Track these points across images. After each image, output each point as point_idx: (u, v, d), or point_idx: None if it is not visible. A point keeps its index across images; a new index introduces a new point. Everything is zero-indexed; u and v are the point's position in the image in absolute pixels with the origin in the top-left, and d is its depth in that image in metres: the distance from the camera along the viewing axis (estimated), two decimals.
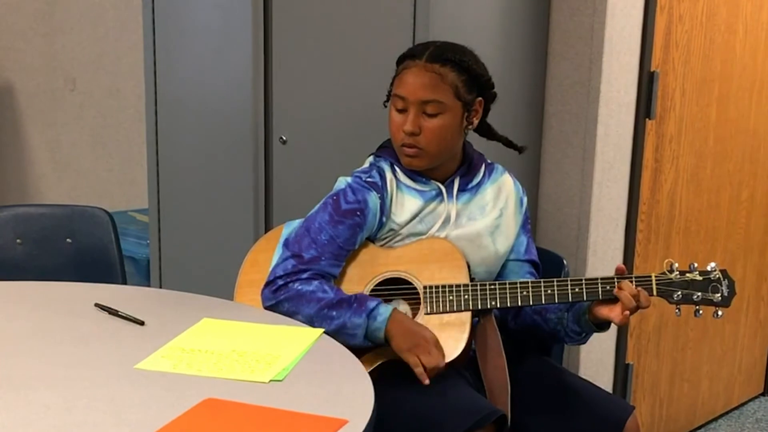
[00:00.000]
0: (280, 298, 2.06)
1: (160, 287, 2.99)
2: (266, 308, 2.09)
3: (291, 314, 2.05)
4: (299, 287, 2.05)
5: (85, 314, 1.97)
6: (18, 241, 2.56)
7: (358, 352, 2.06)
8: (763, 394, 4.01)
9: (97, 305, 2.00)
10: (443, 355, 2.01)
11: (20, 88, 4.85)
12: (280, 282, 2.07)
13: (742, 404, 3.90)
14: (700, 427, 3.67)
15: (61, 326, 1.91)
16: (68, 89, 4.61)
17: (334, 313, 2.01)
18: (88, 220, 2.60)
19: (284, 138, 2.64)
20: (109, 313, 1.96)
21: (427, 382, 1.96)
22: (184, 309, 2.05)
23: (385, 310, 2.01)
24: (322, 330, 1.91)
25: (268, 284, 2.09)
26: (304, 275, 2.07)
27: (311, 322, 2.02)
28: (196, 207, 2.88)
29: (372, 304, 2.02)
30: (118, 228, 2.60)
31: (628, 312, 2.00)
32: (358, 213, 2.11)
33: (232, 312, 2.02)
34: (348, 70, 2.61)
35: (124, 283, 2.56)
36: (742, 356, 3.81)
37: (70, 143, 4.68)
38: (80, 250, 2.58)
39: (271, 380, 1.65)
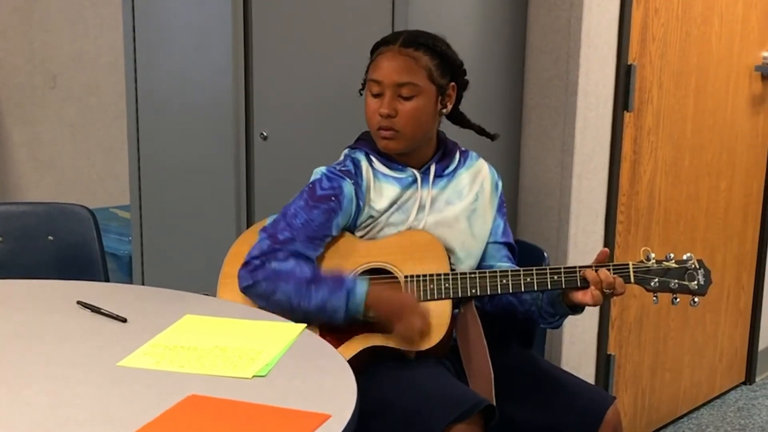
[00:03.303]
0: (258, 278, 2.09)
1: (143, 284, 2.99)
2: (243, 289, 2.12)
3: (269, 294, 2.08)
4: (275, 266, 2.09)
5: (67, 312, 1.97)
6: None
7: (338, 340, 2.08)
8: (744, 383, 4.04)
9: (79, 303, 2.00)
10: (422, 314, 2.06)
11: None
12: (257, 262, 2.10)
13: (724, 393, 3.92)
14: (682, 417, 3.70)
15: (43, 324, 1.91)
16: (48, 87, 4.59)
17: (313, 291, 2.05)
18: (69, 217, 2.59)
19: (265, 134, 2.65)
20: (92, 310, 1.96)
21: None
22: (166, 305, 2.05)
23: (360, 290, 2.05)
24: (305, 325, 1.92)
25: (244, 265, 2.12)
26: (280, 255, 2.10)
27: (289, 301, 2.06)
28: (178, 203, 2.88)
29: (350, 284, 2.06)
30: (99, 225, 2.60)
31: (598, 292, 2.03)
32: (333, 198, 2.15)
33: (214, 308, 2.03)
34: (329, 65, 2.62)
35: (107, 280, 2.55)
36: (723, 345, 3.84)
37: (50, 141, 4.65)
38: (62, 248, 2.57)
39: (254, 376, 1.65)
